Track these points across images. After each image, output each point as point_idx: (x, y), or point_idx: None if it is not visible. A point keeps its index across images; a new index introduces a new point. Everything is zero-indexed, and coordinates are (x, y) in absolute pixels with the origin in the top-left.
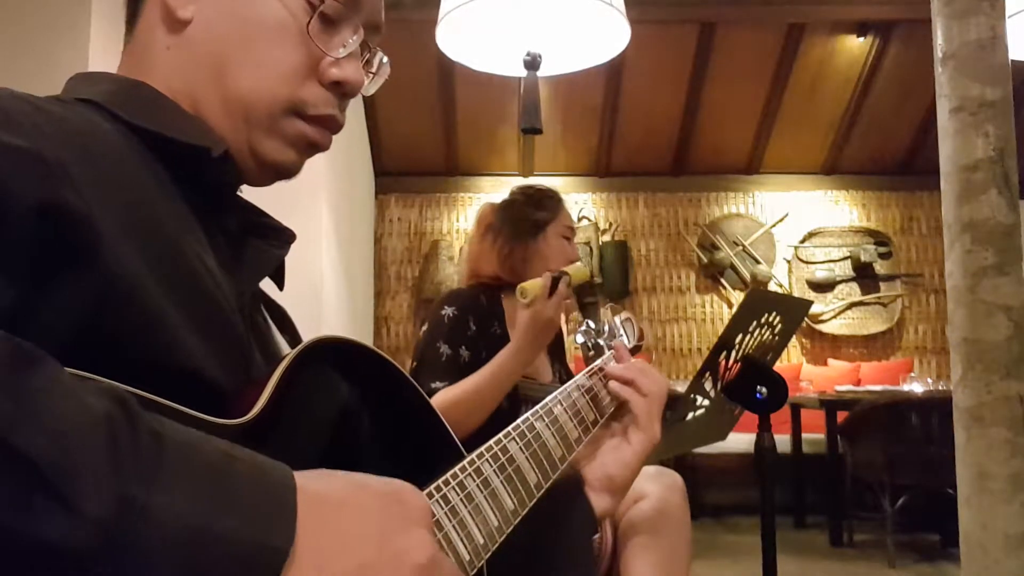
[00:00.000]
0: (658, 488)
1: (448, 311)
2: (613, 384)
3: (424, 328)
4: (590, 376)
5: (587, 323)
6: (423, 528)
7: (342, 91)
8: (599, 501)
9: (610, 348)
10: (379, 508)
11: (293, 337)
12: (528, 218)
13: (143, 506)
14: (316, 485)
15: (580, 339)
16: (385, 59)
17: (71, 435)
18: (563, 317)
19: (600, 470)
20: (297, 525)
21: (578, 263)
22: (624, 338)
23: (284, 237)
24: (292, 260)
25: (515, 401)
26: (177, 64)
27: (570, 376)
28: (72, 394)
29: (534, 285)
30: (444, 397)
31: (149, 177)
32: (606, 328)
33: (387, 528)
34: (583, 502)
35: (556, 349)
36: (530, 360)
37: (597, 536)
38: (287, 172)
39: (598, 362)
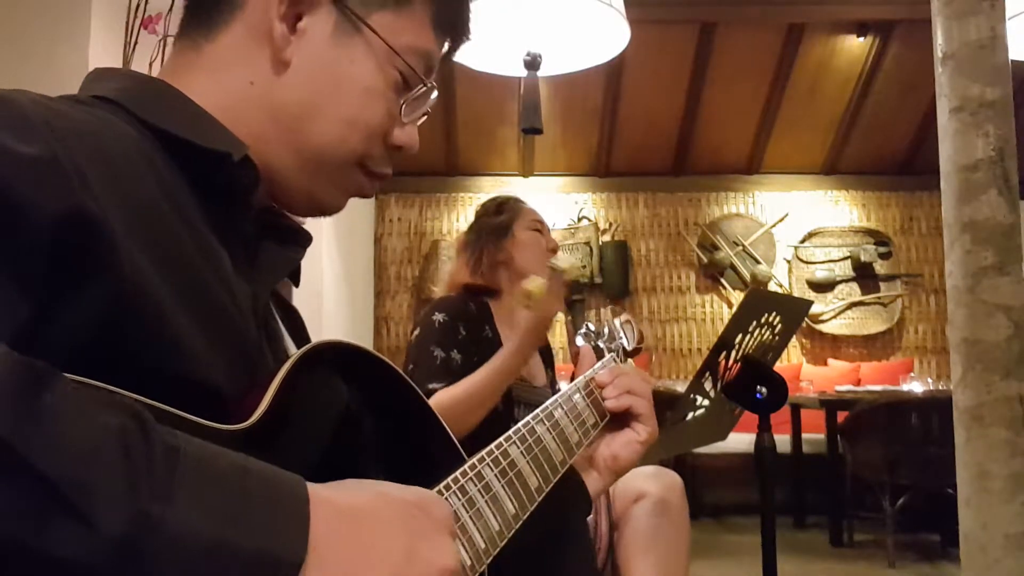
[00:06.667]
0: (657, 487)
1: (439, 317)
2: (611, 402)
3: (416, 333)
4: (590, 381)
5: (587, 325)
6: (448, 536)
7: (400, 153)
8: (595, 480)
9: (610, 351)
10: (404, 517)
11: (301, 338)
12: (492, 224)
13: (159, 522)
14: (335, 496)
15: (580, 341)
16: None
17: (86, 452)
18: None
19: (607, 450)
20: (311, 536)
21: (568, 258)
22: (624, 340)
23: (301, 239)
24: None
25: (509, 403)
26: (254, 100)
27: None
28: (86, 410)
29: (539, 287)
30: (444, 396)
31: (164, 179)
32: (606, 330)
33: (414, 537)
34: (575, 481)
35: (547, 354)
36: (528, 357)
37: (590, 518)
38: (331, 213)
39: (598, 365)
